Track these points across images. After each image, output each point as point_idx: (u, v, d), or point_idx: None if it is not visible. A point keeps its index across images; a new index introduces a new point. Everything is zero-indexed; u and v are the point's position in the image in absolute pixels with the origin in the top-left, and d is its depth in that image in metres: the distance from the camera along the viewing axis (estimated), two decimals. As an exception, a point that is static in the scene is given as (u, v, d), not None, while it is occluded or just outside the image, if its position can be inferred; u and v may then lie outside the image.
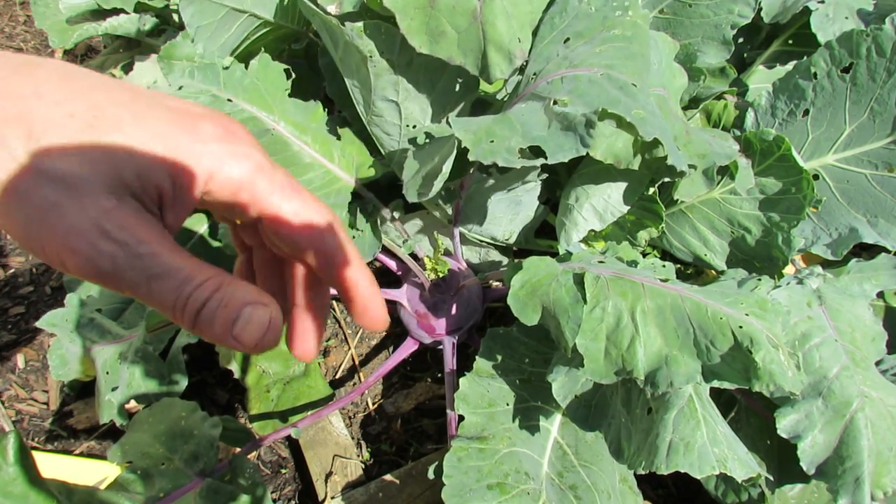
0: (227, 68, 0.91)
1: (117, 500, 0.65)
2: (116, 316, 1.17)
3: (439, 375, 1.19)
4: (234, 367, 1.06)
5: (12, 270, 1.47)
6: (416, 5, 0.73)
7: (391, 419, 1.16)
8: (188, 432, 0.75)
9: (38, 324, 1.03)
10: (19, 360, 1.30)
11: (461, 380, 0.84)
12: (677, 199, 0.94)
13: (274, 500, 1.08)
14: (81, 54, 2.05)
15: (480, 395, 0.82)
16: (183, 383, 0.98)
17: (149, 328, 0.97)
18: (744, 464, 0.62)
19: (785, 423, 0.74)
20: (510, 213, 1.01)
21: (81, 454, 1.17)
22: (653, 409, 0.64)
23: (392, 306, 1.11)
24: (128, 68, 1.62)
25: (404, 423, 1.15)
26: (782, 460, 0.85)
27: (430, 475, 0.78)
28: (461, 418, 0.81)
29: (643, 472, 0.63)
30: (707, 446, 0.60)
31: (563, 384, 0.76)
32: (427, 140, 0.88)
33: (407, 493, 0.99)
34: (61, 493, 0.54)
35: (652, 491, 1.06)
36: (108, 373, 0.97)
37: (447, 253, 1.05)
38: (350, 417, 1.17)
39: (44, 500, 0.51)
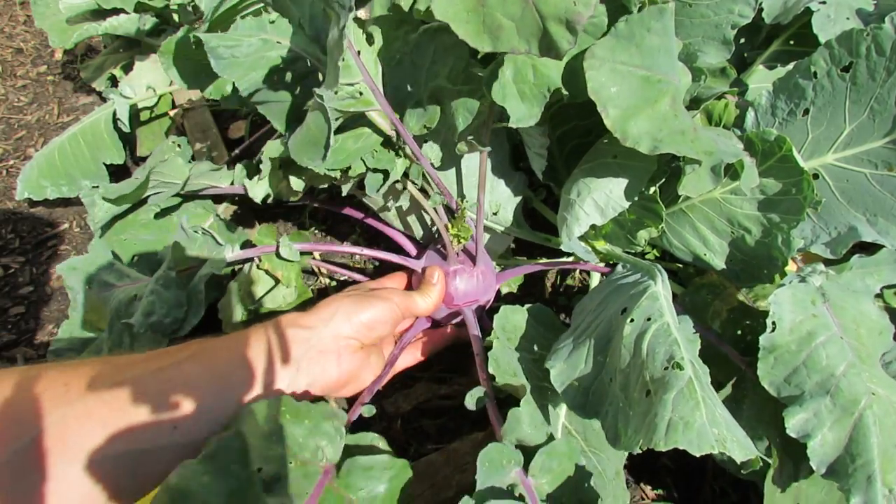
0: (272, 22, 0.95)
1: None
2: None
3: (440, 375, 1.19)
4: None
5: (12, 270, 1.46)
6: (466, 8, 0.72)
7: (391, 419, 1.15)
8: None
9: (58, 268, 1.08)
10: (19, 359, 1.30)
11: (493, 341, 0.84)
12: (679, 198, 0.94)
13: (273, 501, 1.08)
14: (81, 54, 2.05)
15: (507, 362, 0.82)
16: (201, 312, 1.02)
17: (176, 263, 0.99)
18: (742, 446, 0.61)
19: (793, 423, 0.73)
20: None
21: (80, 454, 1.17)
22: (651, 392, 0.64)
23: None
24: (128, 68, 1.63)
25: (404, 423, 1.15)
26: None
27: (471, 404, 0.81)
28: (492, 378, 0.80)
29: (640, 451, 0.63)
30: (706, 426, 0.60)
31: (562, 371, 0.75)
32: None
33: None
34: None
35: (652, 491, 1.06)
36: (119, 309, 1.02)
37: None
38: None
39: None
